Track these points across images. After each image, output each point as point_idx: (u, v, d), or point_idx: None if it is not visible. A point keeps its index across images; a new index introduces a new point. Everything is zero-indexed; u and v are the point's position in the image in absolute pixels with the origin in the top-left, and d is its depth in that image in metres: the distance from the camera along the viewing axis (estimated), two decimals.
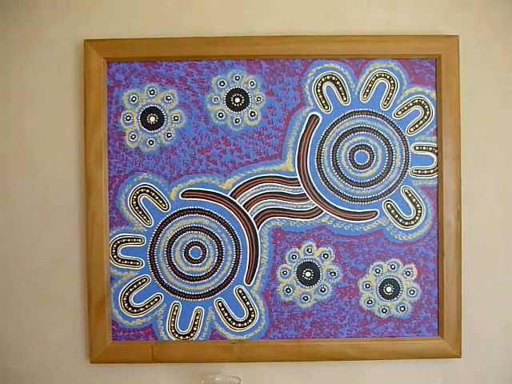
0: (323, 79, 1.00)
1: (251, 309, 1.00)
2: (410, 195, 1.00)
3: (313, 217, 1.00)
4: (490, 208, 1.02)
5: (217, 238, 1.00)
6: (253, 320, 1.00)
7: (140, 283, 1.00)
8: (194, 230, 1.00)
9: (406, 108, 1.00)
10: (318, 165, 1.00)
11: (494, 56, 1.01)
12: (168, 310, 1.00)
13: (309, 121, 1.00)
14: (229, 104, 1.00)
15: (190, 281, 1.00)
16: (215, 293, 1.00)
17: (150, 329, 1.00)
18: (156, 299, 1.00)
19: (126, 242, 1.00)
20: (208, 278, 1.00)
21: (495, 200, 1.02)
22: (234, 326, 1.00)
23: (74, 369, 1.02)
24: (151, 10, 1.01)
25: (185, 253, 1.00)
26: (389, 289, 1.00)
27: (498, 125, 1.02)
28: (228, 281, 1.00)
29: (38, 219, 1.01)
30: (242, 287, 1.00)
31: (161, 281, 1.00)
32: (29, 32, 1.02)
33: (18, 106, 1.02)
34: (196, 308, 1.00)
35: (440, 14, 1.01)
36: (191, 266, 1.00)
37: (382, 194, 1.00)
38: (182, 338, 1.00)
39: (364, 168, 1.00)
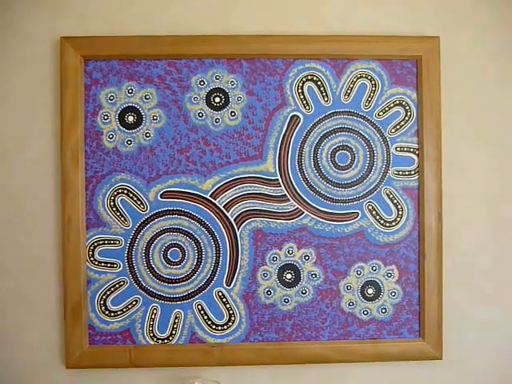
0: (304, 79, 0.99)
1: (231, 312, 0.99)
2: (391, 196, 1.00)
3: (294, 218, 0.99)
4: (471, 210, 1.02)
5: (196, 239, 0.99)
6: (233, 323, 0.99)
7: (117, 286, 0.98)
8: (173, 232, 0.98)
9: (387, 109, 1.00)
10: (299, 165, 0.99)
11: (474, 57, 1.02)
12: (146, 313, 0.98)
13: (290, 121, 0.99)
14: (209, 103, 0.99)
15: (168, 283, 0.98)
16: (195, 295, 0.98)
17: (127, 333, 0.98)
18: (134, 302, 0.98)
19: (104, 243, 0.98)
20: (187, 280, 0.98)
21: (476, 202, 1.02)
22: (214, 329, 0.99)
23: (49, 374, 0.99)
24: (130, 7, 1.00)
25: (163, 255, 0.98)
26: (370, 290, 1.00)
27: (479, 126, 1.02)
28: (208, 283, 0.99)
29: (12, 220, 0.99)
30: (222, 290, 0.99)
31: (139, 283, 0.98)
32: (3, 28, 0.99)
33: None
34: (175, 311, 0.98)
35: (421, 15, 1.01)
36: (170, 268, 0.98)
37: (364, 195, 1.00)
38: (160, 341, 0.98)
39: (345, 169, 1.00)
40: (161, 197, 0.98)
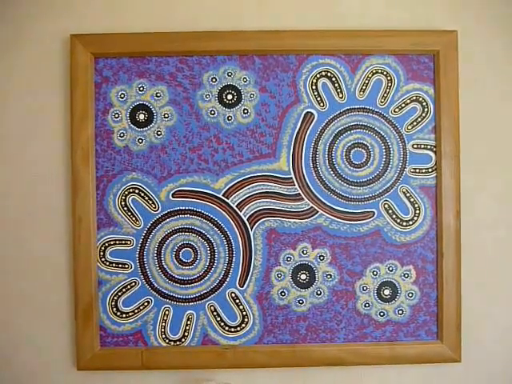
0: (318, 75, 0.97)
1: (244, 313, 0.97)
2: (407, 195, 0.97)
3: (308, 217, 0.97)
4: (490, 208, 0.99)
5: (209, 239, 0.97)
6: (246, 324, 0.97)
7: (129, 287, 0.96)
8: (184, 232, 0.97)
9: (403, 105, 0.97)
10: (313, 164, 0.97)
11: (493, 51, 0.99)
12: (158, 314, 0.96)
13: (304, 118, 0.97)
14: (221, 101, 0.97)
15: (180, 284, 0.97)
16: (207, 296, 0.97)
17: (139, 334, 0.96)
18: (146, 303, 0.96)
19: (115, 244, 0.96)
20: (200, 281, 0.97)
21: (495, 199, 0.99)
22: (227, 330, 0.97)
23: (60, 376, 0.98)
24: (140, 3, 0.98)
25: (175, 255, 0.97)
26: (387, 291, 0.97)
27: (498, 122, 0.99)
28: (220, 284, 0.97)
29: (21, 221, 0.98)
30: (235, 291, 0.97)
31: (151, 284, 0.96)
32: (12, 27, 0.98)
33: (2, 103, 0.98)
34: (187, 312, 0.97)
35: (438, 8, 0.99)
36: (182, 268, 0.97)
37: (380, 193, 0.97)
38: (172, 343, 0.97)
39: (361, 167, 0.97)
40: (172, 196, 0.97)
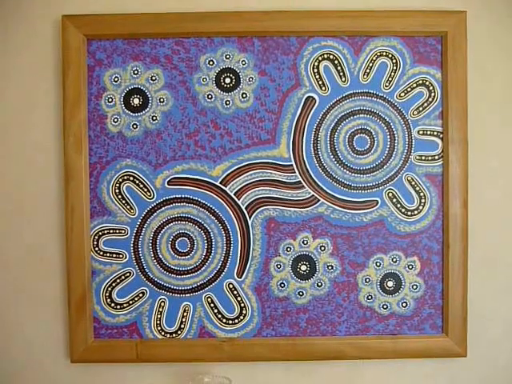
0: (320, 58, 0.93)
1: (243, 305, 0.94)
2: (413, 183, 0.94)
3: (309, 206, 0.93)
4: (499, 196, 0.96)
5: (206, 228, 0.94)
6: (244, 317, 0.94)
7: (123, 277, 0.94)
8: (181, 221, 0.94)
9: (409, 89, 0.93)
10: (314, 150, 0.93)
11: (503, 33, 0.95)
12: (154, 305, 0.94)
13: (305, 103, 0.93)
14: (218, 85, 0.93)
15: (177, 275, 0.94)
16: (204, 288, 0.94)
17: (134, 326, 0.94)
18: (141, 294, 0.94)
19: (109, 233, 0.94)
20: (196, 271, 0.94)
21: (504, 188, 0.96)
22: (225, 323, 0.94)
23: (53, 369, 0.96)
24: None
25: (171, 245, 0.94)
26: (390, 283, 0.94)
27: (507, 107, 0.95)
28: (218, 275, 0.94)
29: (13, 210, 0.95)
30: (233, 281, 0.94)
31: (146, 275, 0.94)
32: (2, 8, 0.94)
33: None
34: (183, 304, 0.94)
35: None
36: (178, 258, 0.94)
37: (384, 181, 0.94)
38: (168, 335, 0.94)
39: (364, 154, 0.94)
40: (168, 184, 0.93)
